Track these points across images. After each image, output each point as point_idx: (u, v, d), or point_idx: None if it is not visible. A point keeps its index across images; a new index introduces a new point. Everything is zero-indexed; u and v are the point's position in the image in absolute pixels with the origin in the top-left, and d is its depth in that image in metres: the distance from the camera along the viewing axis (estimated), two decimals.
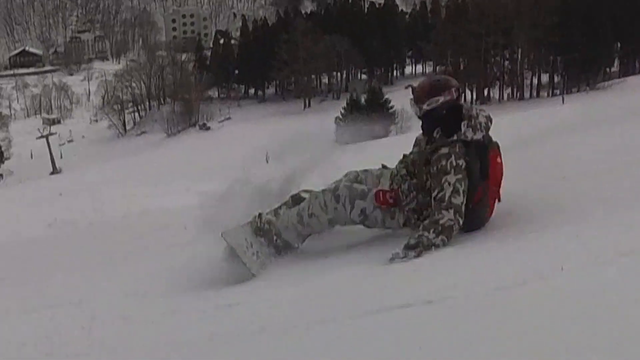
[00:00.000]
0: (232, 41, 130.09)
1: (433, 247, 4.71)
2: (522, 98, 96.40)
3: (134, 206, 25.14)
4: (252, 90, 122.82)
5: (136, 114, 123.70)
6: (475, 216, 5.04)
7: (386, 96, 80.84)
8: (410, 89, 5.36)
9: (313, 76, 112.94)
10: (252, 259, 5.23)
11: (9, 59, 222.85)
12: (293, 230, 5.35)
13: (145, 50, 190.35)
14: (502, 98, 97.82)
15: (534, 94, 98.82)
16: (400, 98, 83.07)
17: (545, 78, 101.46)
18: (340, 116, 77.89)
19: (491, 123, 5.20)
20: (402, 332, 3.24)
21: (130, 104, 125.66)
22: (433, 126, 5.18)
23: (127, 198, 26.25)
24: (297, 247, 5.45)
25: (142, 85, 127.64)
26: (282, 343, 3.53)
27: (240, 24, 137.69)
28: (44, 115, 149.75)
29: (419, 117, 5.26)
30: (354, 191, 5.21)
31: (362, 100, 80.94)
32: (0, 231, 15.21)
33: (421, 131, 5.41)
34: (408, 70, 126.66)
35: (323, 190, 5.31)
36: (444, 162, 4.92)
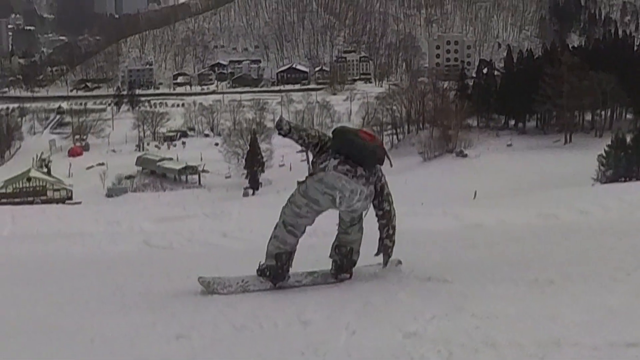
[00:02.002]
0: (495, 71, 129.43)
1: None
2: None
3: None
4: (512, 122, 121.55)
5: (394, 136, 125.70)
6: None
7: None
8: None
9: (576, 112, 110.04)
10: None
11: (277, 74, 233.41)
12: (269, 254, 5.98)
13: (407, 75, 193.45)
14: None
15: None
16: None
17: None
18: (604, 154, 75.55)
19: None
20: None
21: (389, 126, 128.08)
22: None
23: None
24: (278, 268, 5.97)
25: (403, 108, 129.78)
26: None
27: (505, 54, 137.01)
28: None
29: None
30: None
31: (628, 139, 78.08)
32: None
33: None
34: None
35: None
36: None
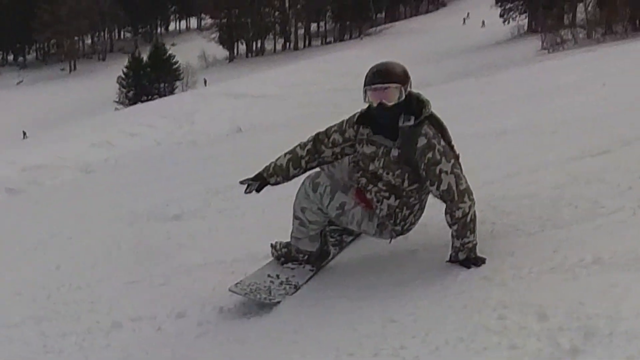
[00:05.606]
0: None
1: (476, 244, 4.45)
2: (296, 48, 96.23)
3: None
4: (11, 57, 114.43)
5: None
6: None
7: (169, 52, 78.82)
8: None
9: (76, 37, 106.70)
10: (269, 294, 4.83)
11: None
12: (302, 237, 4.95)
13: None
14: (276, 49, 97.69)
15: (307, 43, 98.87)
16: (179, 53, 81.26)
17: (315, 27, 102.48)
18: (124, 75, 74.78)
19: None
20: None
21: None
22: (397, 114, 4.43)
23: None
24: (317, 251, 5.04)
25: None
26: None
27: None
28: None
29: (386, 109, 4.41)
30: (336, 182, 4.83)
31: (145, 58, 77.70)
32: None
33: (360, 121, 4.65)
34: (172, 26, 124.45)
35: (305, 179, 4.81)
36: (430, 154, 4.37)
